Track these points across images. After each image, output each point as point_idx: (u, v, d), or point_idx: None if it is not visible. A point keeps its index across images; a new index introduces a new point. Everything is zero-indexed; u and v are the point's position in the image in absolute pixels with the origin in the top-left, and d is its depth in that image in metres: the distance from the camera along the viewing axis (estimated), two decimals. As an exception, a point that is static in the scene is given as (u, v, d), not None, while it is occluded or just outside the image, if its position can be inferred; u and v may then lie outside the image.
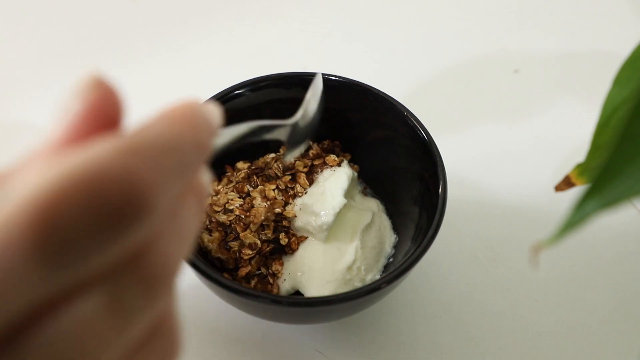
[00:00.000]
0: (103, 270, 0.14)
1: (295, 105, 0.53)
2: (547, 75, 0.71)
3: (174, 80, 0.70)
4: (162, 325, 0.17)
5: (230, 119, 0.51)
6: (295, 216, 0.50)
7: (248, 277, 0.49)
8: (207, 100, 0.49)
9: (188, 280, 0.53)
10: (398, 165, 0.53)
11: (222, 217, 0.50)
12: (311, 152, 0.55)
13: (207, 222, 0.50)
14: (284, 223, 0.50)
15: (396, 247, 0.52)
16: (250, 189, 0.51)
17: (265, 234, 0.49)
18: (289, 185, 0.52)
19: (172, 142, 0.16)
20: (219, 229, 0.49)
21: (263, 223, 0.49)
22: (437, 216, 0.44)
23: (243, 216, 0.49)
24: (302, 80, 0.52)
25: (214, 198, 0.51)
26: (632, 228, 0.58)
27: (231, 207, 0.50)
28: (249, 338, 0.50)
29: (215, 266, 0.49)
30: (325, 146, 0.55)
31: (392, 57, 0.76)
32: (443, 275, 0.55)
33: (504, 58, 0.74)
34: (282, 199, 0.51)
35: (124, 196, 0.13)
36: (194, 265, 0.41)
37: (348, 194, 0.52)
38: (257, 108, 0.53)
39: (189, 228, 0.17)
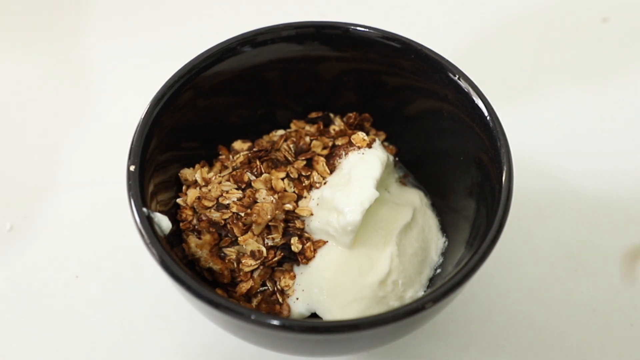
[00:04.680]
0: None
1: (310, 66, 0.54)
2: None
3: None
4: None
5: (224, 84, 0.52)
6: (312, 214, 0.50)
7: (249, 295, 0.49)
8: (193, 60, 0.49)
9: (170, 298, 0.55)
10: (448, 146, 0.53)
11: (215, 215, 0.49)
12: (333, 129, 0.54)
13: (195, 222, 0.50)
14: (297, 223, 0.50)
15: (445, 253, 0.52)
16: (252, 177, 0.51)
17: (272, 238, 0.49)
18: (304, 173, 0.51)
19: None
20: (210, 230, 0.49)
21: (269, 223, 0.49)
22: (499, 213, 0.43)
23: (243, 214, 0.49)
24: (319, 33, 0.51)
25: (204, 189, 0.51)
26: None
27: (227, 202, 0.49)
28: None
29: (205, 279, 0.49)
30: (351, 120, 0.55)
31: (439, 2, 0.75)
32: (507, 292, 0.55)
33: (589, 3, 0.74)
34: (294, 192, 0.50)
35: None
36: (176, 277, 0.40)
37: (381, 185, 0.51)
38: (259, 70, 0.53)
39: None
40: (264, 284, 0.50)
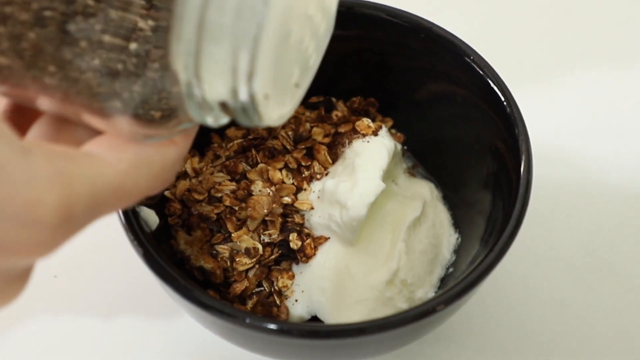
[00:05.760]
0: None
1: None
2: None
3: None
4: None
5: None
6: (312, 208, 0.50)
7: (244, 297, 0.49)
8: None
9: (157, 300, 0.54)
10: (461, 134, 0.53)
11: (206, 209, 0.49)
12: (335, 115, 0.54)
13: (185, 216, 0.50)
14: (296, 218, 0.50)
15: (458, 251, 0.52)
16: (247, 168, 0.51)
17: (269, 234, 0.49)
18: (303, 163, 0.51)
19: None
20: (201, 225, 0.49)
21: (265, 218, 0.49)
22: (517, 206, 0.43)
23: (237, 208, 0.49)
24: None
25: (194, 181, 0.50)
26: None
27: (219, 195, 0.49)
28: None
29: (196, 279, 0.49)
30: (355, 106, 0.55)
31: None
32: (526, 293, 0.55)
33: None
34: (292, 183, 0.50)
35: None
36: (164, 277, 0.40)
37: (388, 176, 0.51)
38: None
39: None
40: (259, 285, 0.50)
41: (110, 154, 0.27)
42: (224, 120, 0.28)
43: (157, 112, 0.27)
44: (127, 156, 0.28)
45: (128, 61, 0.25)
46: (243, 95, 0.26)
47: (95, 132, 0.29)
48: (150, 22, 0.25)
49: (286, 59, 0.28)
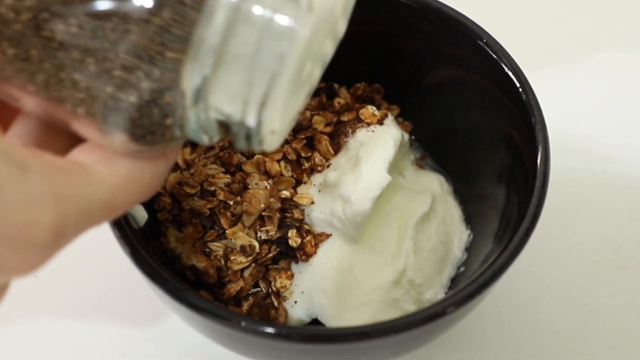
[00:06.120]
0: None
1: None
2: None
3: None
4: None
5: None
6: (313, 202, 0.50)
7: (239, 298, 0.49)
8: None
9: (145, 301, 0.54)
10: (472, 123, 0.52)
11: (199, 203, 0.48)
12: (337, 102, 0.53)
13: (176, 211, 0.49)
14: (295, 213, 0.49)
15: (470, 248, 0.52)
16: (243, 159, 0.51)
17: (266, 231, 0.48)
18: (303, 154, 0.51)
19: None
20: (193, 221, 0.49)
21: (262, 213, 0.48)
22: (533, 201, 0.42)
23: (231, 202, 0.48)
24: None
25: (186, 173, 0.50)
26: None
27: (212, 188, 0.49)
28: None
29: (187, 279, 0.49)
30: (359, 92, 0.55)
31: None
32: (543, 294, 0.54)
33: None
34: (291, 176, 0.50)
35: None
36: (152, 277, 0.39)
37: (395, 168, 0.51)
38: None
39: None
40: (256, 285, 0.49)
41: (103, 167, 0.28)
42: (217, 138, 0.29)
43: (155, 130, 0.28)
44: (120, 169, 0.29)
45: (137, 80, 0.26)
46: (250, 125, 0.27)
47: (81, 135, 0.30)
48: (170, 47, 0.25)
49: (295, 92, 0.29)
